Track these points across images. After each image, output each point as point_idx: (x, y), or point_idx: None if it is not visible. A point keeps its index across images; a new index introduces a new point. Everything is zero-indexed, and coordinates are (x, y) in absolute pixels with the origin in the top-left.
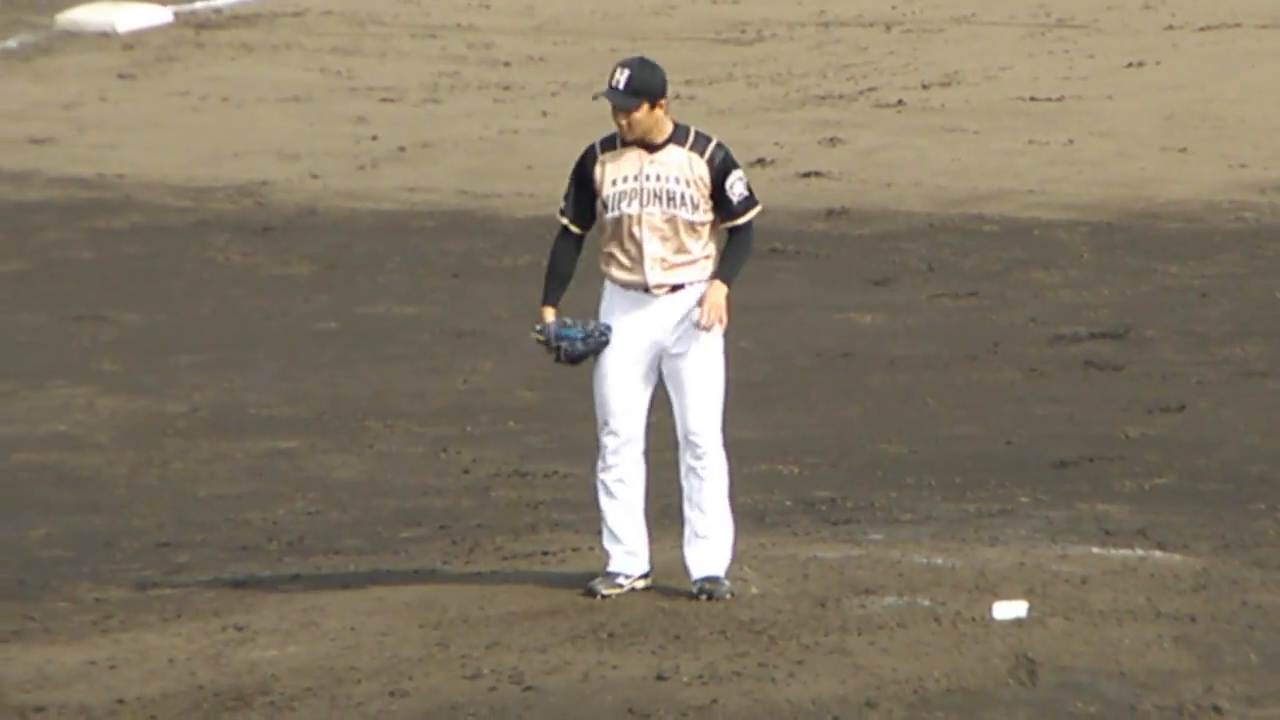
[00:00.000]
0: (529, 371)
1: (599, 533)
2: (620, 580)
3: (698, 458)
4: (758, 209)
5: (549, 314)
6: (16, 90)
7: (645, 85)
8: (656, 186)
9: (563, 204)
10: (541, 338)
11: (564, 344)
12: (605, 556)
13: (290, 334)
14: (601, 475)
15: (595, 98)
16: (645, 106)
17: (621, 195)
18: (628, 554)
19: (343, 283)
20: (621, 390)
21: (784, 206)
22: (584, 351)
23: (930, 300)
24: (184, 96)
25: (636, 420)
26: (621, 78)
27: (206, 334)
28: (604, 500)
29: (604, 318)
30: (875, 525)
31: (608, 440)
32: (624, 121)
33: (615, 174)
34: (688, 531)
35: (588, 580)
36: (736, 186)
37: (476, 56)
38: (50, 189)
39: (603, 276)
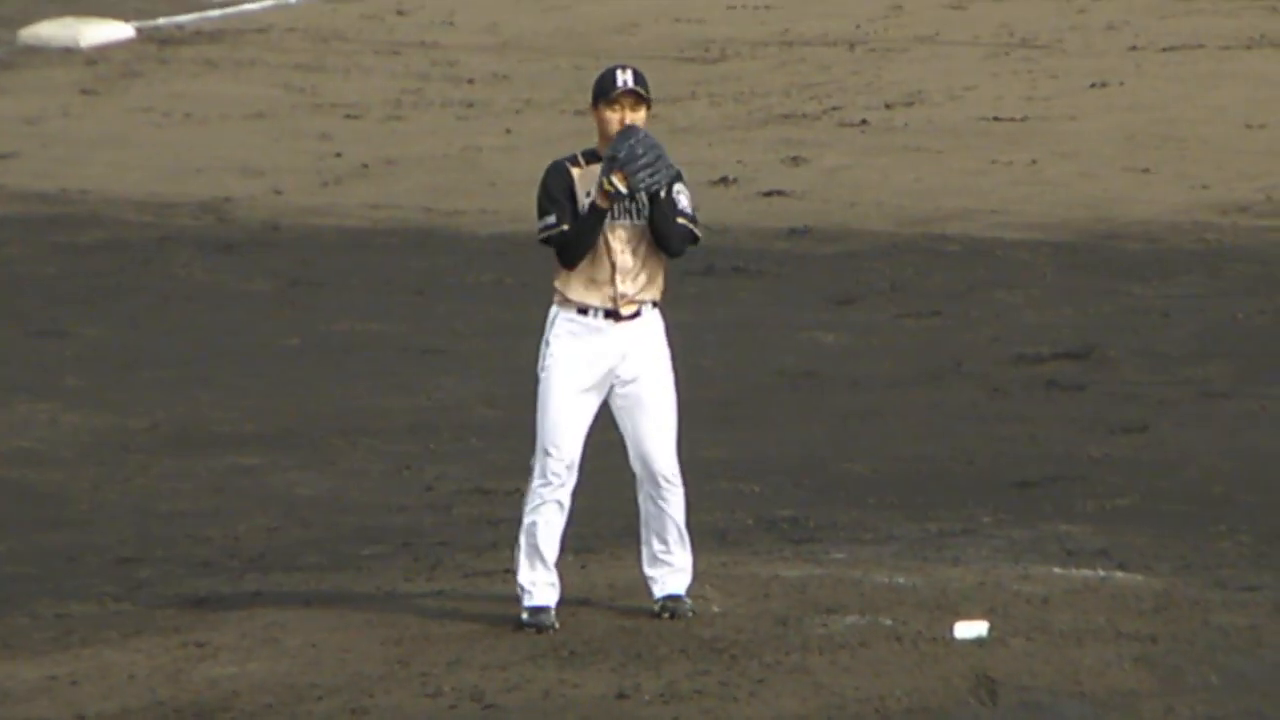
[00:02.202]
0: (491, 389)
1: (512, 570)
2: (549, 614)
3: (657, 485)
4: (698, 230)
5: (597, 184)
6: None
7: (647, 86)
8: (627, 202)
9: (549, 219)
10: (618, 181)
11: (643, 173)
12: (522, 594)
13: (253, 350)
14: (543, 495)
15: (611, 95)
16: (646, 108)
17: None
18: (549, 585)
19: (305, 299)
20: (570, 417)
21: (746, 225)
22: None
23: (893, 320)
24: (147, 112)
25: (579, 447)
26: (629, 75)
27: (169, 350)
28: (540, 523)
29: (554, 348)
30: (837, 544)
31: (552, 464)
32: (629, 119)
33: (586, 188)
34: (647, 553)
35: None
36: (681, 198)
37: (440, 74)
38: (12, 204)
39: (551, 305)
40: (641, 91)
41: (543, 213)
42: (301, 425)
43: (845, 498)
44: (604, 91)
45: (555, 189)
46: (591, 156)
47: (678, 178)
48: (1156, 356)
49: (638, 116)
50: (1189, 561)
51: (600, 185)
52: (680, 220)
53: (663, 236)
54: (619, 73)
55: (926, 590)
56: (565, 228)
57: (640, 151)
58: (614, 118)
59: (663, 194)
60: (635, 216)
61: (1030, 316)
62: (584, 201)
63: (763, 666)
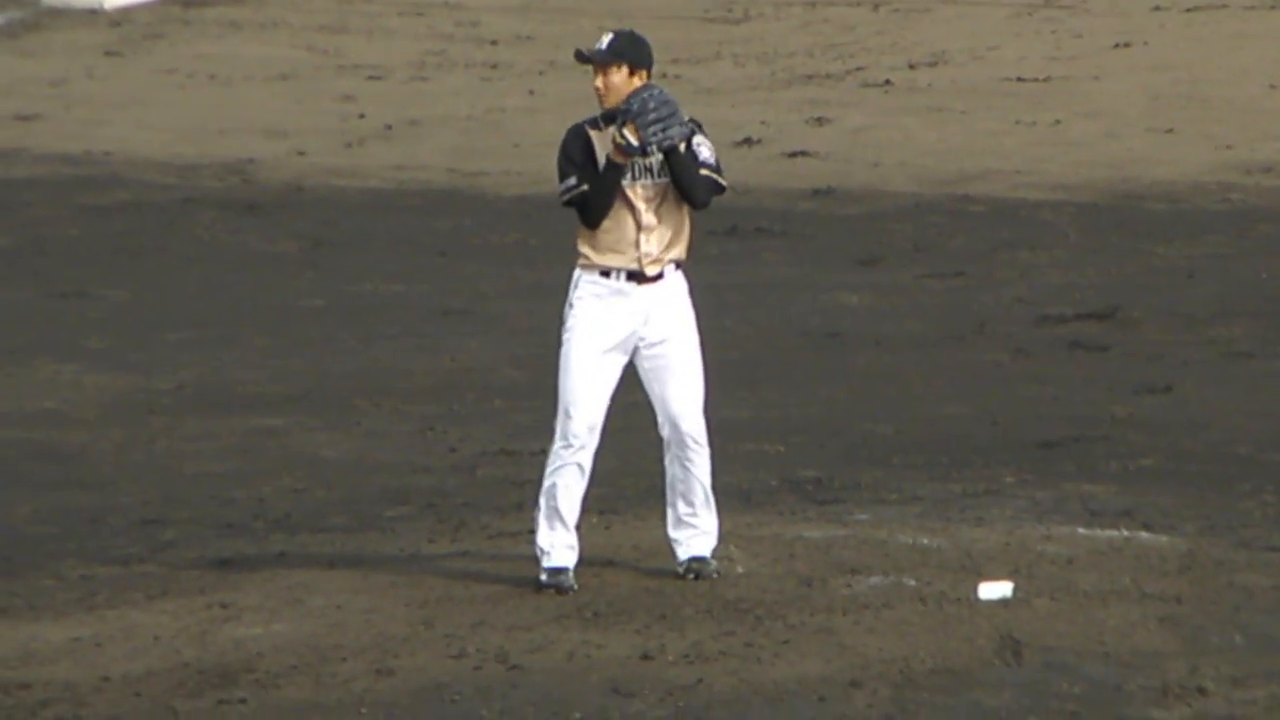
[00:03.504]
0: (516, 350)
1: (530, 532)
2: (568, 575)
3: (685, 448)
4: (723, 180)
5: (610, 139)
6: (3, 67)
7: (627, 49)
8: (645, 160)
9: (569, 182)
10: (629, 134)
11: (655, 129)
12: (541, 555)
13: (277, 312)
14: (564, 458)
15: (576, 55)
16: (625, 70)
17: None
18: (568, 547)
19: (329, 260)
20: (592, 380)
21: (770, 186)
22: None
23: (917, 280)
24: (171, 74)
25: (603, 409)
26: (605, 39)
27: (193, 311)
28: (560, 485)
29: (577, 310)
30: (861, 505)
31: (573, 427)
32: (600, 83)
33: (605, 149)
34: (672, 516)
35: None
36: (703, 150)
37: (464, 35)
38: (37, 166)
39: (575, 269)
40: (600, 57)
41: (563, 176)
42: (325, 386)
43: (869, 458)
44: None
45: (574, 151)
46: (610, 118)
47: (695, 132)
48: (1180, 316)
49: (613, 79)
50: (1213, 522)
51: (613, 139)
52: (703, 171)
53: (686, 188)
54: (603, 37)
55: (950, 551)
56: (585, 188)
57: (652, 106)
58: (593, 82)
59: (682, 148)
60: (656, 174)
61: (1054, 277)
62: (604, 163)
63: (787, 627)
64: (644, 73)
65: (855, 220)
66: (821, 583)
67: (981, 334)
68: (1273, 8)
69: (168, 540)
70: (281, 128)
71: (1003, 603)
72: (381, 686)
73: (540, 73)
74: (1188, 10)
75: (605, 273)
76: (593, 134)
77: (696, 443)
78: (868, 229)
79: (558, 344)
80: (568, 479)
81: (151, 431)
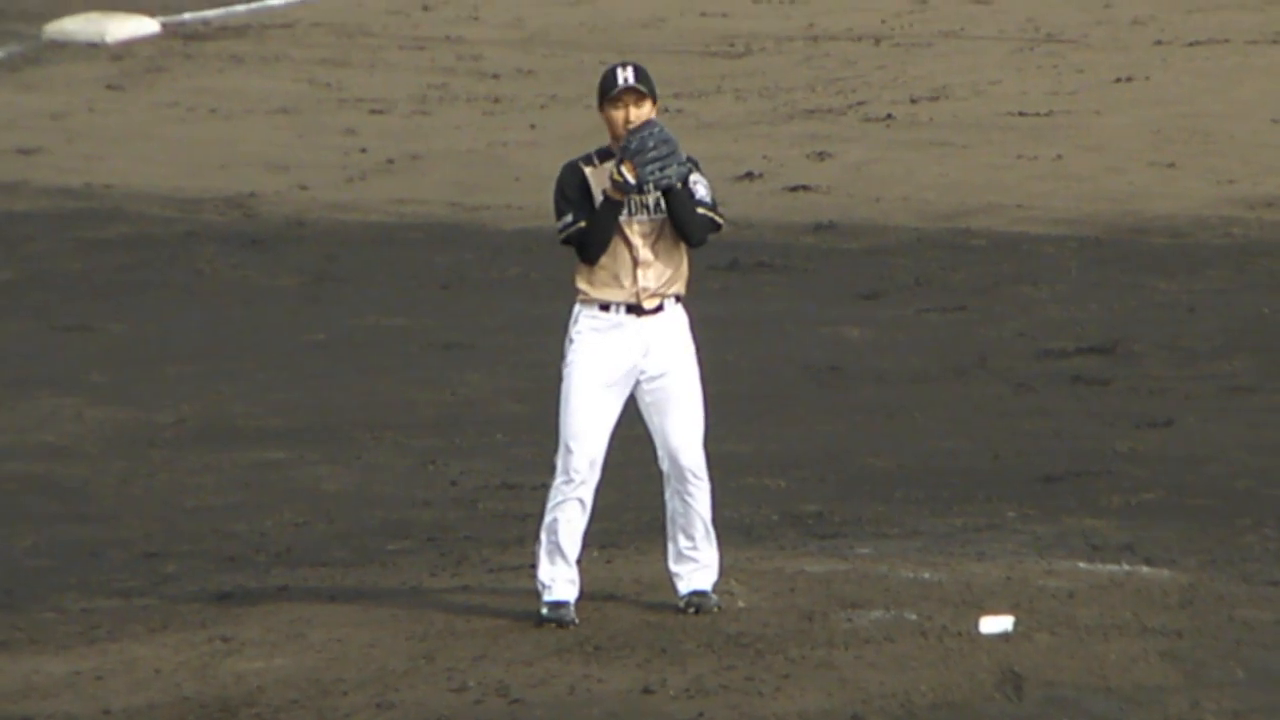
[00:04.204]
0: (517, 384)
1: (532, 566)
2: (569, 609)
3: (685, 482)
4: (719, 218)
5: (608, 176)
6: (4, 100)
7: (649, 82)
8: (642, 196)
9: (566, 219)
10: (626, 172)
11: (653, 170)
12: (541, 589)
13: (278, 345)
14: (565, 493)
15: (612, 93)
16: (651, 102)
17: None
18: (569, 581)
19: (331, 294)
20: (592, 414)
21: (772, 220)
22: (670, 172)
23: (918, 314)
24: (172, 108)
25: (604, 444)
26: (629, 72)
27: (194, 345)
28: (561, 520)
29: (577, 344)
30: (862, 539)
31: (574, 461)
32: (633, 115)
33: (601, 185)
34: (673, 550)
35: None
36: (699, 188)
37: (465, 69)
38: (38, 199)
39: (574, 303)
40: (641, 88)
41: (560, 213)
42: (327, 420)
43: (870, 493)
44: (605, 91)
45: (570, 188)
46: (605, 155)
47: (692, 170)
48: (1182, 351)
49: (641, 112)
50: (1214, 556)
51: (610, 176)
52: (700, 210)
53: (682, 226)
54: (619, 71)
55: (951, 585)
56: (583, 225)
57: (651, 145)
58: (618, 116)
59: (679, 186)
60: (653, 210)
61: (1055, 311)
62: (599, 199)
63: (788, 661)
64: (657, 105)
65: (856, 254)
66: (822, 617)
67: (983, 368)
68: (1274, 42)
69: (169, 573)
70: (283, 161)
71: (1004, 637)
72: None
73: (542, 107)
74: (1189, 45)
75: (604, 306)
76: (587, 170)
77: (696, 476)
78: (869, 263)
79: (558, 378)
80: (569, 514)
81: (153, 465)
